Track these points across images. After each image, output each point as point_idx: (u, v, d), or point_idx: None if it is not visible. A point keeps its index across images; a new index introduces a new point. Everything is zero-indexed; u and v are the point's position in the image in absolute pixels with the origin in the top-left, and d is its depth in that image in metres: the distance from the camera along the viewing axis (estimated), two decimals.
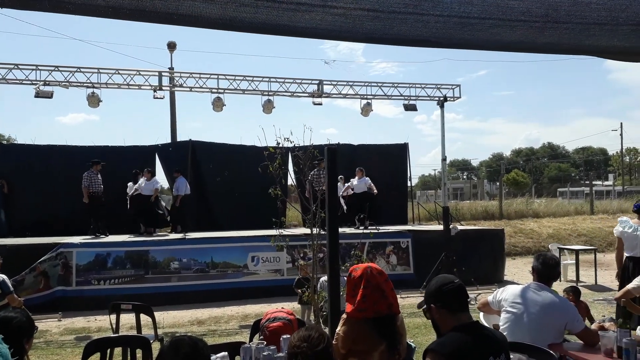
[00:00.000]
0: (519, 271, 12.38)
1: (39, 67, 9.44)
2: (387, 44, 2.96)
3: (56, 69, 9.50)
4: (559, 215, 19.71)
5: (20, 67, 9.35)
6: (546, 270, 3.73)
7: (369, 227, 10.50)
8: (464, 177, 77.39)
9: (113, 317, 5.42)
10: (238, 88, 10.60)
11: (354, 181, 12.30)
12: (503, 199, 21.46)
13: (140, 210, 11.53)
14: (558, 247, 11.56)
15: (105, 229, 10.78)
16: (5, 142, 27.18)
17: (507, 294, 3.73)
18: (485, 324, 4.02)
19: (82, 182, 10.62)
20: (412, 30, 2.49)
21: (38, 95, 9.39)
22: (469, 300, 2.50)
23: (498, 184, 31.00)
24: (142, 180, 11.51)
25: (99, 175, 10.87)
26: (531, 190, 35.11)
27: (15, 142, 23.67)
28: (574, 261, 10.94)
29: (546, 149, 76.13)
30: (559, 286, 5.59)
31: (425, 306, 2.58)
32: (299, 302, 7.13)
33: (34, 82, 9.40)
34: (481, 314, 4.30)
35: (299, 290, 7.02)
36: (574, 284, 8.04)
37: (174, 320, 8.22)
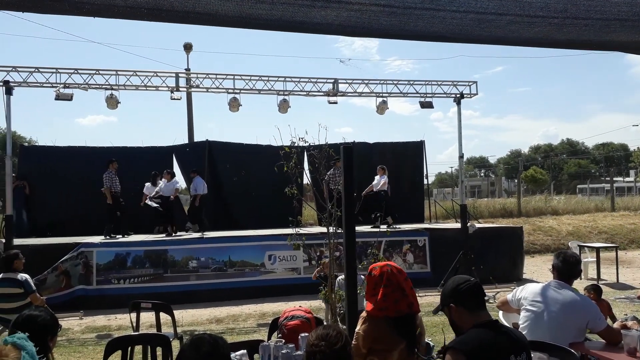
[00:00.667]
0: (538, 269, 12.22)
1: (59, 70, 9.57)
2: (402, 39, 2.94)
3: (75, 71, 9.63)
4: (579, 213, 19.41)
5: (40, 70, 9.50)
6: (567, 268, 3.68)
7: (387, 226, 10.48)
8: (482, 174, 76.63)
9: (133, 315, 5.50)
10: (254, 88, 10.64)
11: (377, 178, 12.13)
12: (521, 196, 21.21)
13: (161, 211, 11.64)
14: (578, 245, 11.38)
15: (114, 230, 10.82)
16: (26, 144, 27.69)
17: (526, 293, 3.69)
18: (505, 323, 3.98)
19: (104, 184, 10.72)
20: (429, 26, 2.47)
21: (58, 97, 9.52)
22: (487, 298, 2.48)
23: (516, 181, 30.65)
24: (162, 182, 11.61)
25: (116, 176, 11.00)
26: (550, 187, 34.62)
27: (36, 144, 24.09)
28: (595, 259, 10.77)
29: (565, 146, 75.02)
30: (579, 284, 5.50)
31: (442, 309, 2.57)
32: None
33: (54, 85, 9.54)
34: (500, 312, 4.26)
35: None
36: (595, 282, 7.92)
37: (193, 318, 8.29)
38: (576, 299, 3.54)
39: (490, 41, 3.22)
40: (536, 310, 3.55)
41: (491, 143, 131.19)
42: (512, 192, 40.29)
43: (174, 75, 10.33)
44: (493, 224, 15.20)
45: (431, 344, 3.15)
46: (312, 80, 10.85)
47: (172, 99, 10.37)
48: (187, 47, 18.75)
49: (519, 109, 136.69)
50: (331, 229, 6.20)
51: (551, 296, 3.56)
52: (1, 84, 9.00)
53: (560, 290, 3.57)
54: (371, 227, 10.56)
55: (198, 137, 17.18)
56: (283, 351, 2.80)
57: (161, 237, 10.67)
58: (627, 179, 47.23)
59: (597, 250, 10.86)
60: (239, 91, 10.60)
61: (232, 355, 2.86)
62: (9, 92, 8.98)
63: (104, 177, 10.75)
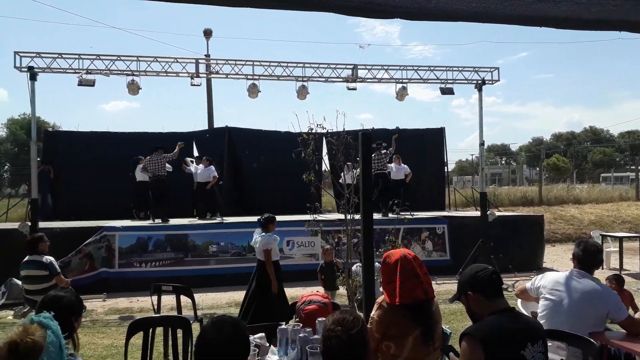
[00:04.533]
0: (558, 258, 12.08)
1: (82, 56, 9.69)
2: (422, 20, 2.86)
3: (97, 57, 9.73)
4: (602, 202, 19.07)
5: (63, 56, 9.63)
6: (587, 257, 3.64)
7: (402, 213, 10.52)
8: (503, 162, 75.60)
9: (154, 298, 5.61)
10: (273, 74, 10.62)
11: (393, 167, 12.19)
12: (543, 185, 20.91)
13: (197, 196, 11.95)
14: (600, 234, 11.21)
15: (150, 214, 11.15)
16: (50, 129, 28.15)
17: (546, 281, 3.66)
18: (523, 311, 3.96)
19: (143, 165, 11.09)
20: (450, 4, 2.41)
21: (81, 83, 9.65)
22: (505, 287, 2.47)
23: (538, 169, 30.18)
24: (200, 168, 11.77)
25: (162, 159, 11.02)
26: (572, 175, 34.03)
27: (60, 129, 24.46)
28: (618, 249, 10.59)
29: (588, 134, 73.37)
30: (601, 274, 5.43)
31: (459, 297, 2.57)
32: (323, 287, 7.17)
33: (77, 71, 9.67)
34: (519, 301, 4.23)
35: (322, 276, 7.11)
36: (617, 272, 7.80)
37: (213, 301, 8.43)
38: (597, 288, 3.50)
39: (515, 21, 3.10)
40: (555, 299, 3.53)
41: (513, 130, 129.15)
42: (533, 180, 39.69)
43: (194, 61, 10.37)
44: (513, 212, 15.03)
45: (448, 331, 3.16)
46: (331, 66, 10.78)
47: (192, 85, 10.43)
48: (207, 33, 18.80)
49: (542, 96, 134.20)
50: (349, 216, 6.23)
51: (571, 285, 3.53)
52: (26, 69, 9.17)
53: (581, 280, 3.54)
54: (382, 215, 10.73)
55: (218, 123, 17.26)
56: (300, 335, 2.84)
57: (183, 221, 10.80)
58: None
59: (620, 239, 10.67)
60: (258, 77, 10.60)
61: (251, 338, 2.91)
62: (33, 77, 9.15)
63: (146, 159, 11.08)
